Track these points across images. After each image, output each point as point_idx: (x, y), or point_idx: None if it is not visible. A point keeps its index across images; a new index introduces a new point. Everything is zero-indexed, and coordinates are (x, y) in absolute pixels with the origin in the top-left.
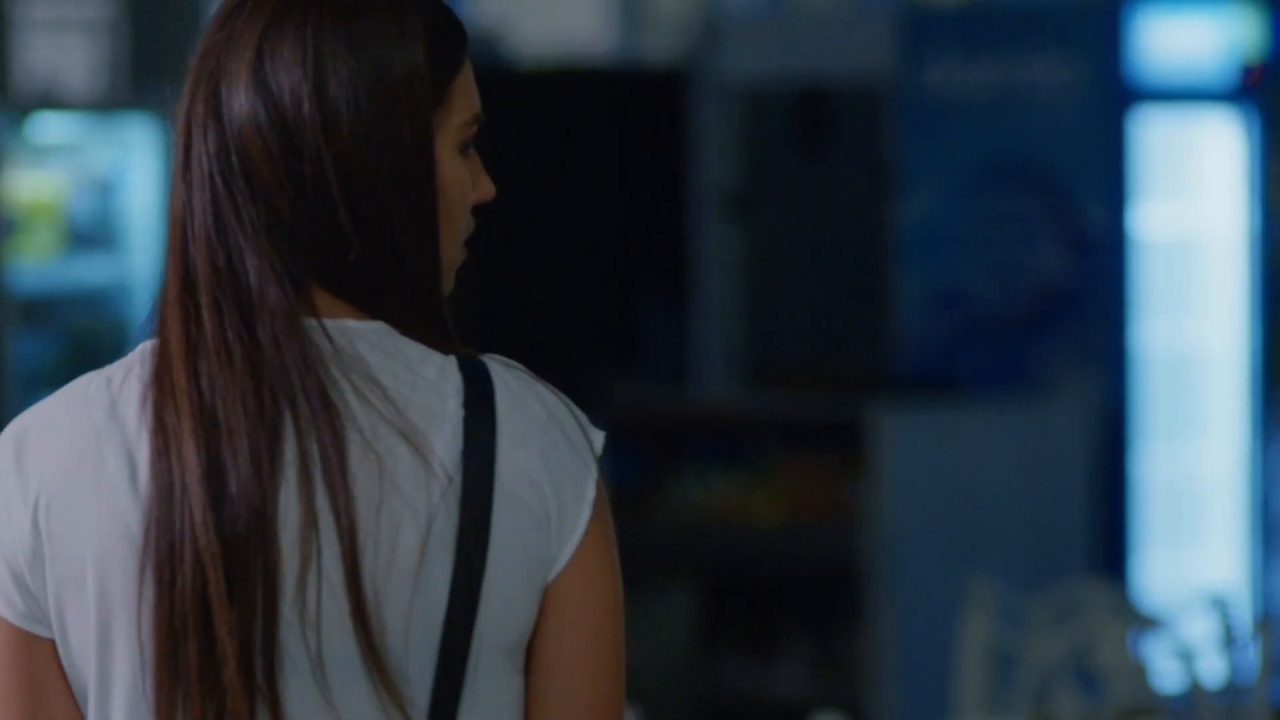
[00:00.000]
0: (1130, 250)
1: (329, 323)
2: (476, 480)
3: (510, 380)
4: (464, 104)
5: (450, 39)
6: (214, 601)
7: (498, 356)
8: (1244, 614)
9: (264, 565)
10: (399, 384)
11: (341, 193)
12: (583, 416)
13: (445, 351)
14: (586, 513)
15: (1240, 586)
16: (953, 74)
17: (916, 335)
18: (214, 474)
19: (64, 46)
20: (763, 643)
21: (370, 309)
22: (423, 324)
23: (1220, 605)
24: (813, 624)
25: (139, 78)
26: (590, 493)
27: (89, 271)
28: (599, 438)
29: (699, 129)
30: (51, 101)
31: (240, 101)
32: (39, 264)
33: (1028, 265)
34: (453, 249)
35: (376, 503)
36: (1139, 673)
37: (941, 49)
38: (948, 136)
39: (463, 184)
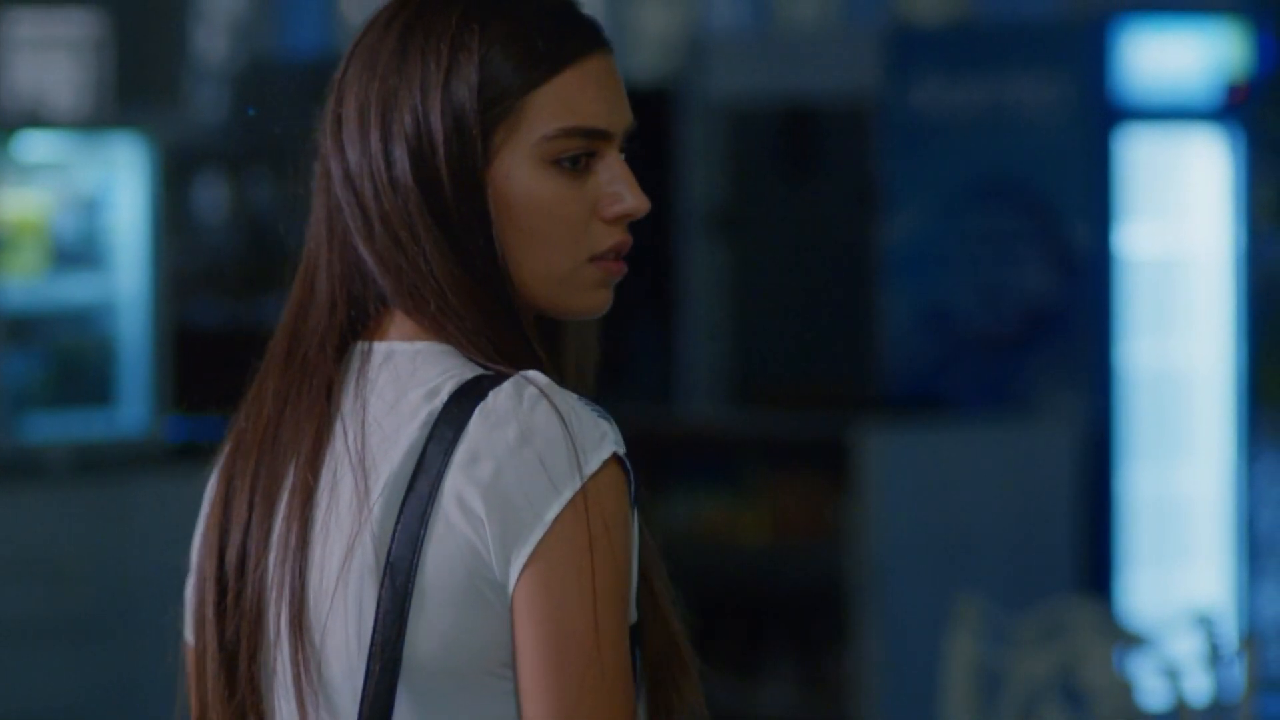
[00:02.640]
0: (1116, 269)
1: (378, 345)
2: (417, 504)
3: (503, 400)
4: (549, 117)
5: (534, 53)
6: (207, 622)
7: (530, 374)
8: (1229, 632)
9: (250, 588)
10: (381, 407)
11: (378, 215)
12: (587, 438)
13: (491, 370)
14: (538, 533)
15: (1226, 604)
16: (938, 93)
17: (902, 354)
18: (228, 499)
19: (50, 65)
20: (749, 661)
21: (429, 329)
22: (470, 342)
23: (1206, 623)
24: (799, 643)
25: (125, 96)
26: (550, 513)
27: (75, 290)
28: (595, 459)
29: (685, 148)
30: (38, 120)
31: (326, 130)
32: (25, 282)
33: (1014, 284)
34: (544, 263)
35: (320, 529)
36: (1125, 690)
37: (927, 68)
38: (933, 155)
39: (546, 198)
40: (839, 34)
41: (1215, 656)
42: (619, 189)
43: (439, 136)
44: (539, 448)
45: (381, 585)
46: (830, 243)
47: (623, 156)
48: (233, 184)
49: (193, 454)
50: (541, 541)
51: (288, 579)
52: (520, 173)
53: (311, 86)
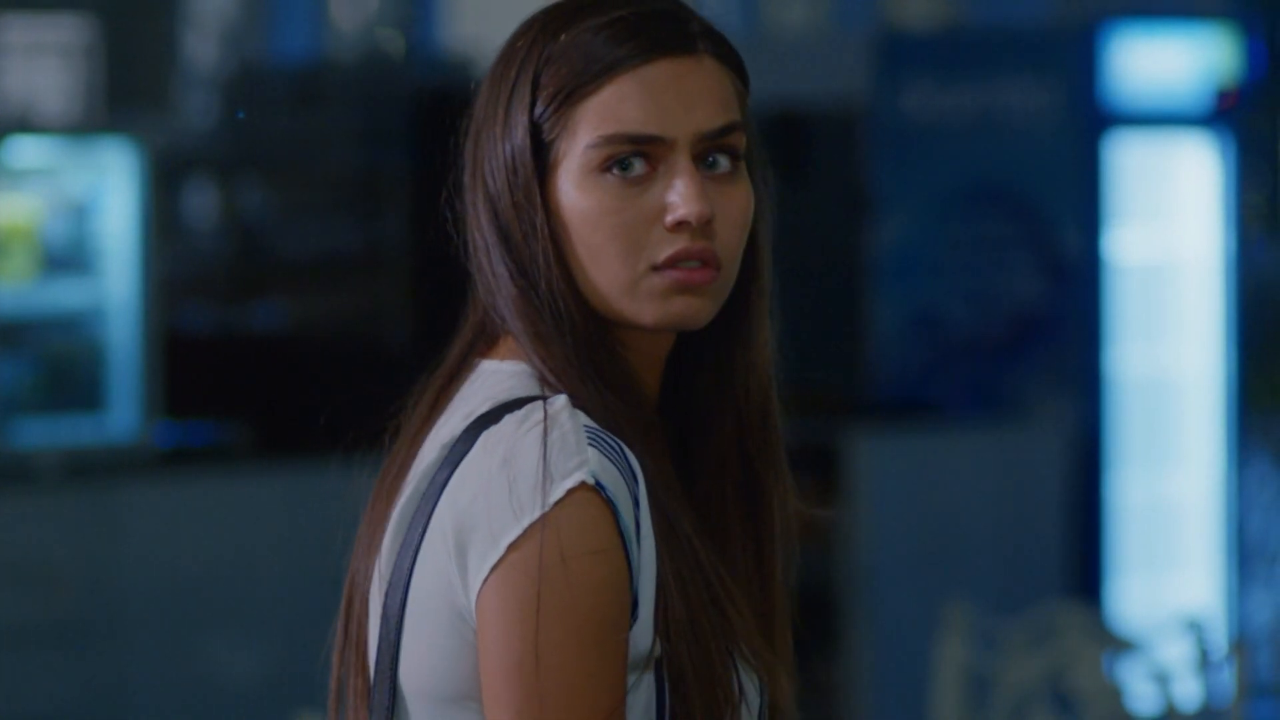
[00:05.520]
0: (1105, 275)
1: (480, 364)
2: (416, 529)
3: (508, 425)
4: (593, 125)
5: (586, 64)
6: (337, 631)
7: (554, 399)
8: (1219, 637)
9: (358, 602)
10: (431, 431)
11: (472, 240)
12: (560, 466)
13: (544, 394)
14: (493, 559)
15: (1215, 609)
16: (928, 99)
17: (892, 360)
18: (363, 517)
19: (40, 71)
20: None
21: (519, 348)
22: (534, 361)
23: (1195, 628)
24: None
25: (115, 102)
26: (506, 540)
27: (65, 295)
28: (561, 487)
29: None
30: (27, 125)
31: None
32: (15, 287)
33: (1003, 290)
34: (605, 275)
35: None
36: (1115, 695)
37: (917, 73)
38: (923, 161)
39: (593, 207)
40: (829, 39)
41: (1205, 661)
42: (671, 196)
43: (501, 157)
44: (512, 474)
45: (384, 609)
46: (820, 248)
47: (722, 161)
48: (223, 189)
49: (183, 459)
50: (495, 568)
51: (357, 600)
52: (570, 184)
53: (301, 92)
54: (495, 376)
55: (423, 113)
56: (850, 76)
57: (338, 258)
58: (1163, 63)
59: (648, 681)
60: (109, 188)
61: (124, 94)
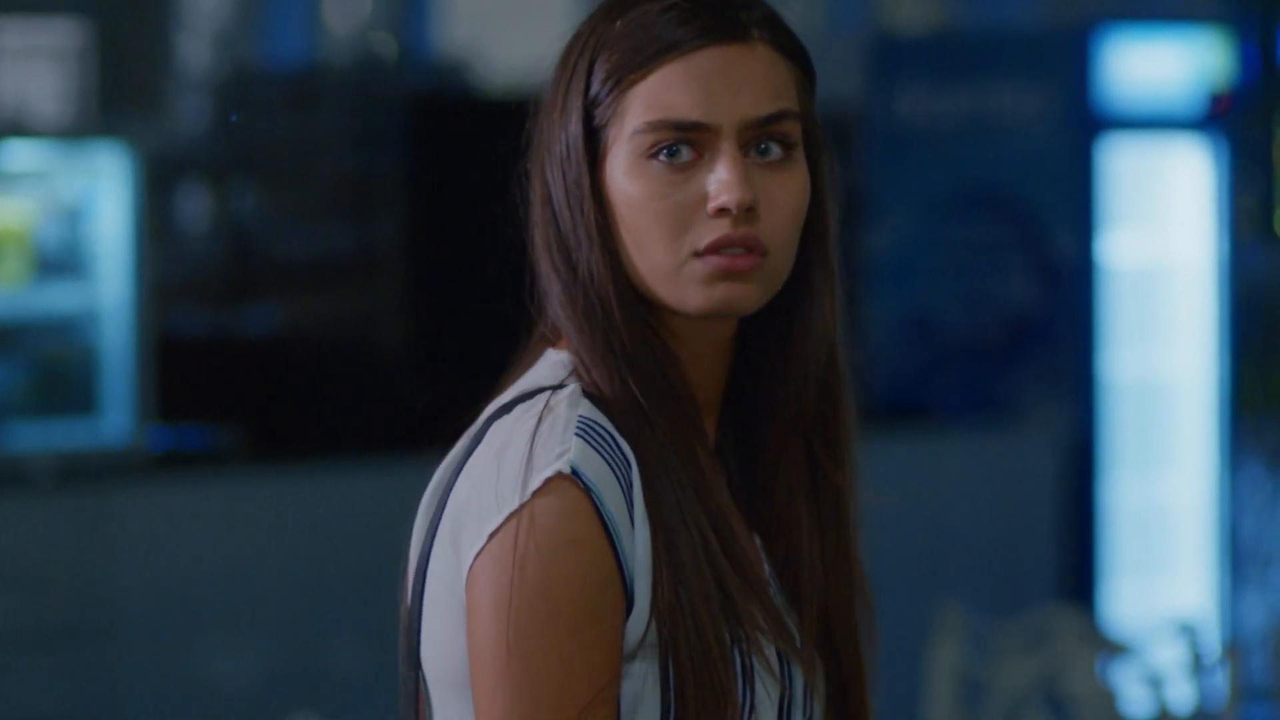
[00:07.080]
0: (1099, 278)
1: (545, 351)
2: (436, 517)
3: (514, 415)
4: (639, 111)
5: (637, 50)
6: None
7: (564, 388)
8: (1212, 640)
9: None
10: (479, 422)
11: (526, 233)
12: (543, 456)
13: (571, 380)
14: (477, 547)
15: (1208, 613)
16: (922, 102)
17: (886, 363)
18: None
19: (33, 74)
20: None
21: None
22: (572, 349)
23: (1189, 632)
24: None
25: (108, 105)
26: (488, 528)
27: (58, 299)
28: (539, 477)
29: None
30: (21, 129)
31: None
32: (8, 291)
33: (997, 293)
34: (651, 260)
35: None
36: (1108, 699)
37: (910, 77)
38: (917, 164)
39: (640, 193)
40: (822, 43)
41: (1198, 665)
42: (713, 183)
43: (557, 144)
44: (502, 463)
45: (410, 595)
46: None
47: (774, 149)
48: (216, 193)
49: (176, 463)
50: (478, 556)
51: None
52: (619, 170)
53: (295, 95)
54: (542, 365)
55: (416, 116)
56: (844, 80)
57: (331, 261)
58: (1156, 66)
59: (640, 670)
60: (102, 191)
61: (117, 97)
